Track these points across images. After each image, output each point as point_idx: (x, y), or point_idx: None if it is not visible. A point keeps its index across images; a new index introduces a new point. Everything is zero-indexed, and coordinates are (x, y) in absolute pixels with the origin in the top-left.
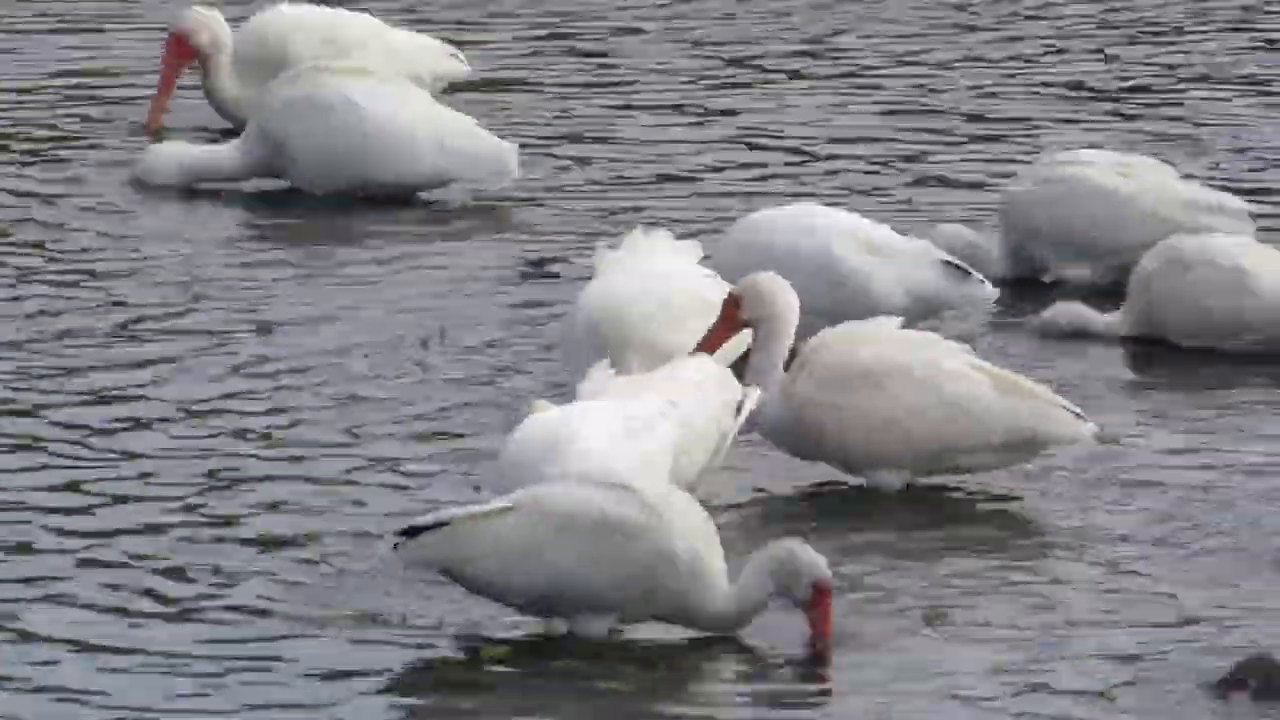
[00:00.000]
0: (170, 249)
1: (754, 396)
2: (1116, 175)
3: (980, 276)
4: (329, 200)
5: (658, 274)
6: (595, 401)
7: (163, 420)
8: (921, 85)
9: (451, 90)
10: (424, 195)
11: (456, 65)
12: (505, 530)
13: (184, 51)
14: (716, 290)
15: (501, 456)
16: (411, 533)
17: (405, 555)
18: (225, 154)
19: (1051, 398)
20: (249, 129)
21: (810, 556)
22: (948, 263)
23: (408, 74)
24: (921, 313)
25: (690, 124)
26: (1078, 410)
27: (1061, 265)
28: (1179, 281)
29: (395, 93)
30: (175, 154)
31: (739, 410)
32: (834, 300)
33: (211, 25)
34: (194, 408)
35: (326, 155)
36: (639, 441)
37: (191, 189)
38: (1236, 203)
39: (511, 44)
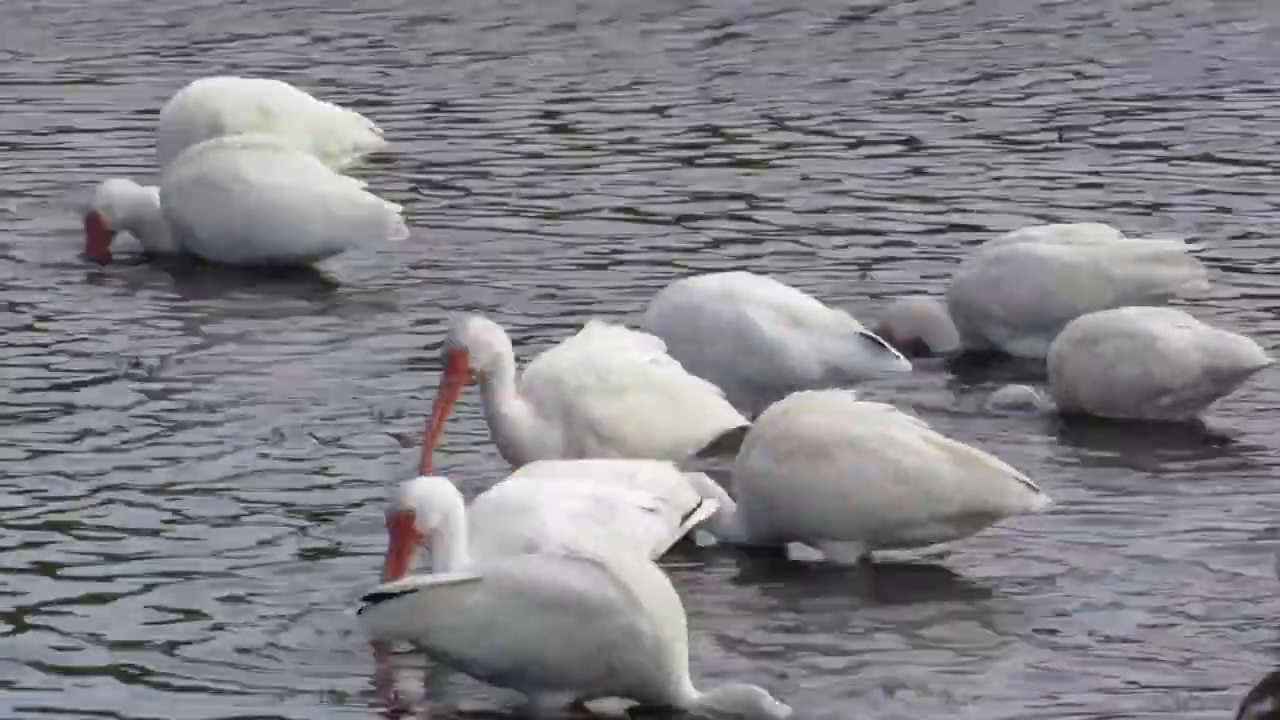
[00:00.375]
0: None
1: (709, 506)
2: (1060, 244)
3: (895, 352)
4: (234, 271)
5: (601, 350)
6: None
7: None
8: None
9: (368, 159)
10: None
11: (372, 136)
12: (471, 601)
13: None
14: (661, 367)
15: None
16: (375, 599)
17: (369, 622)
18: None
19: (1004, 469)
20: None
21: (771, 707)
22: (864, 335)
23: (326, 145)
24: (837, 383)
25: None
26: (1030, 482)
27: (1016, 343)
28: (1089, 358)
29: (284, 165)
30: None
31: (686, 518)
32: (751, 368)
33: None
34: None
35: (221, 231)
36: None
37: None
38: (1178, 245)
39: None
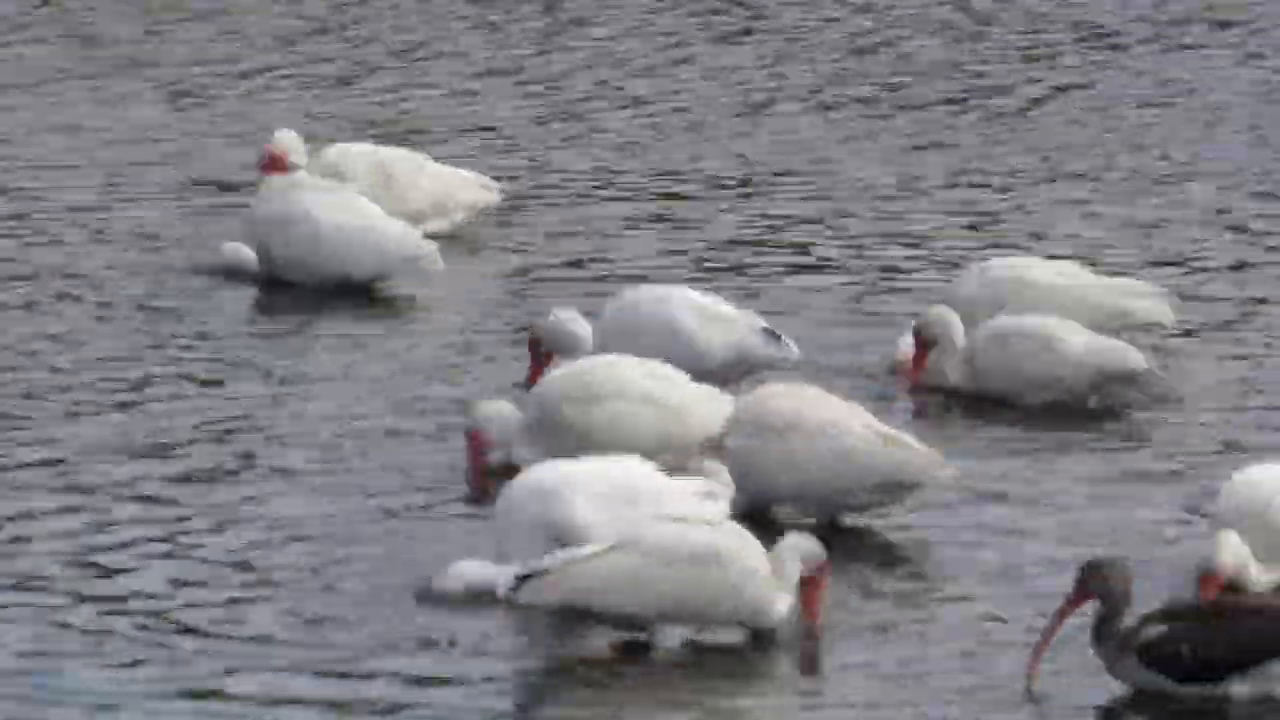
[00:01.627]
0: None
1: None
2: (1054, 275)
3: (790, 341)
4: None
5: (599, 363)
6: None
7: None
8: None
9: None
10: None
11: (489, 194)
12: (616, 566)
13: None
14: (650, 378)
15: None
16: (522, 579)
17: (524, 597)
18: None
19: (923, 448)
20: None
21: (812, 543)
22: (765, 329)
23: (449, 203)
24: (746, 367)
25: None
26: (942, 459)
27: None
28: (1000, 353)
29: (346, 204)
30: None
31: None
32: (676, 355)
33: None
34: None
35: (293, 258)
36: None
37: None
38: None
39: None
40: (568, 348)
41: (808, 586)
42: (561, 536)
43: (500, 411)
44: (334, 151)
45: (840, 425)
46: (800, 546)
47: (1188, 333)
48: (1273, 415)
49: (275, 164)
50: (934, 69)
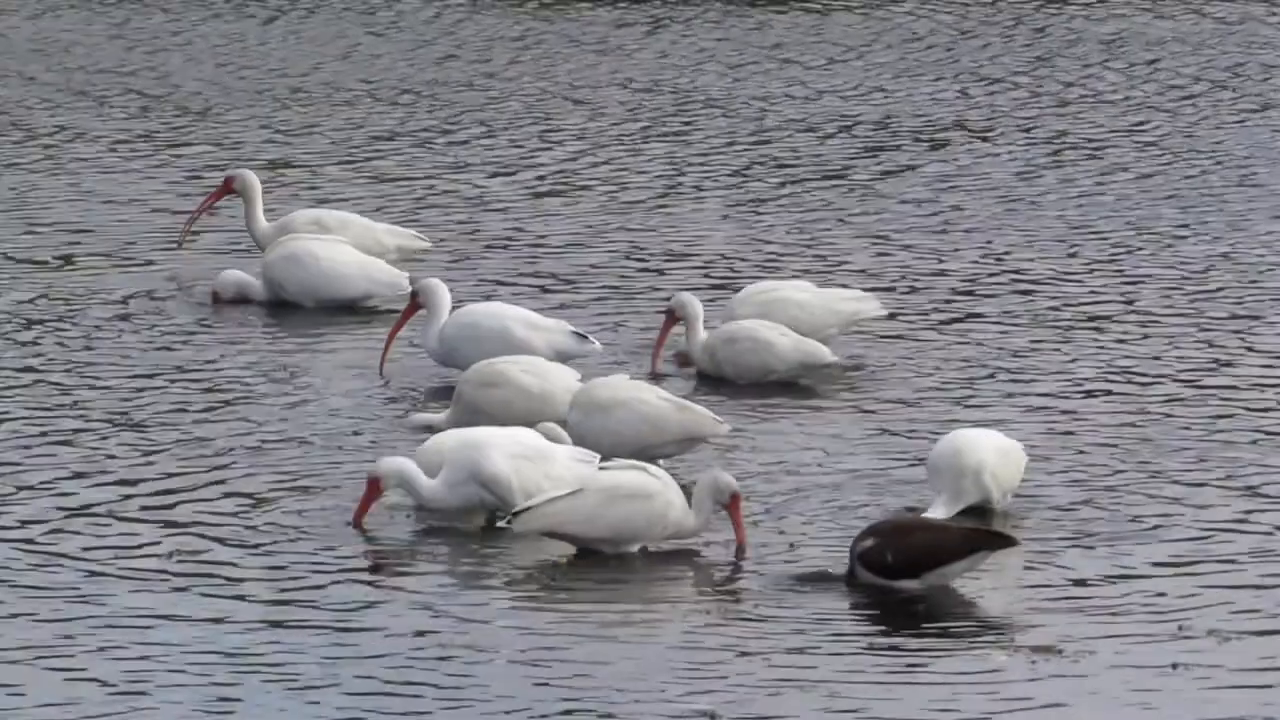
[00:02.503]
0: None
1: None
2: (796, 292)
3: (594, 340)
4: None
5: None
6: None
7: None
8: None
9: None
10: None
11: (419, 242)
12: (582, 502)
13: (228, 189)
14: (523, 372)
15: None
16: (517, 514)
17: (518, 526)
18: (258, 284)
19: (703, 411)
20: (263, 273)
21: (727, 478)
22: (574, 331)
23: (388, 248)
24: (562, 359)
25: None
26: (718, 418)
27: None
28: (730, 350)
29: (337, 247)
30: (237, 279)
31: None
32: (509, 353)
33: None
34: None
35: (301, 286)
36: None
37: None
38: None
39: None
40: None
41: (731, 511)
42: (485, 482)
43: (400, 469)
44: (313, 213)
45: (645, 400)
46: (715, 480)
47: (892, 318)
48: (953, 389)
49: (225, 191)
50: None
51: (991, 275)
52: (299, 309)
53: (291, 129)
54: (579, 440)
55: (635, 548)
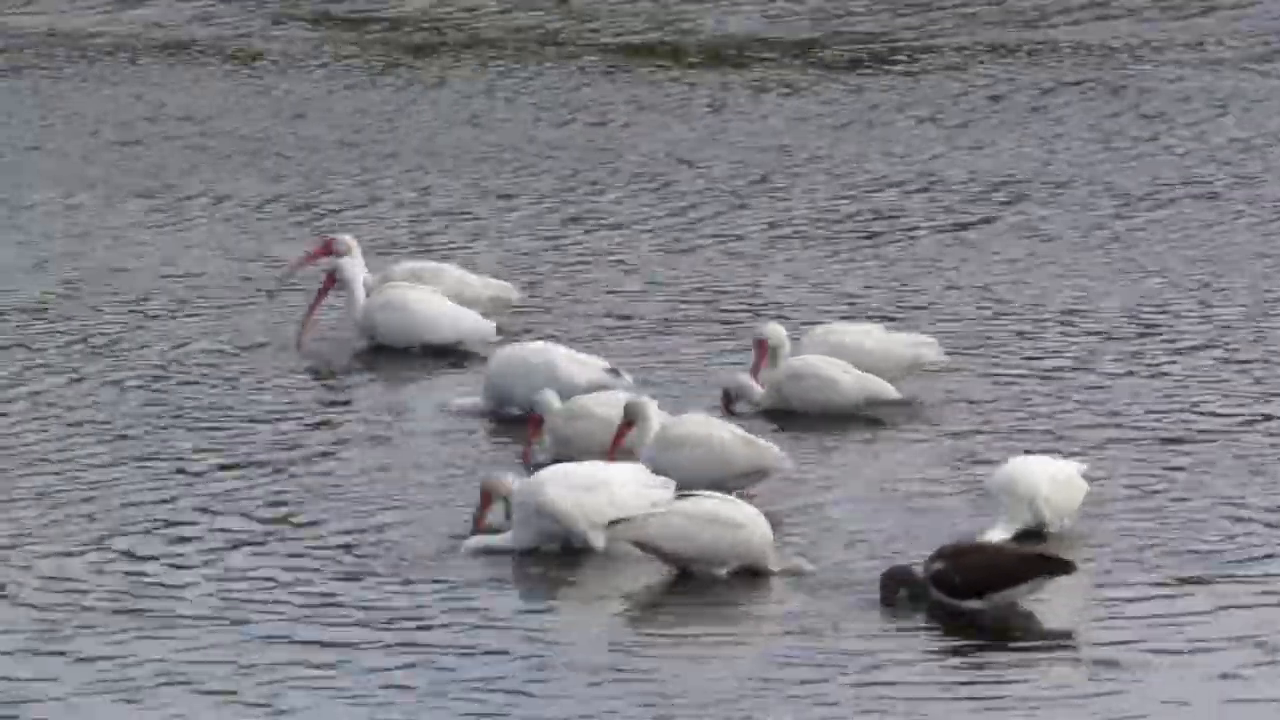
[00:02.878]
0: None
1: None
2: (863, 336)
3: (626, 374)
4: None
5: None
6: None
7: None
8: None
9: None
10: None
11: (511, 292)
12: (673, 522)
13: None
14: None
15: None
16: (612, 523)
17: (613, 535)
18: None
19: (769, 446)
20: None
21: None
22: (609, 369)
23: (481, 297)
24: (598, 390)
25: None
26: (782, 453)
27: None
28: (796, 385)
29: (429, 296)
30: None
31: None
32: (554, 386)
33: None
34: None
35: (394, 330)
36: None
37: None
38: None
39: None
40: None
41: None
42: (550, 515)
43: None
44: (410, 266)
45: (715, 436)
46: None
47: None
48: (1005, 429)
49: (324, 252)
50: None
51: (1068, 316)
52: (394, 351)
53: (423, 187)
54: (659, 473)
55: (721, 571)
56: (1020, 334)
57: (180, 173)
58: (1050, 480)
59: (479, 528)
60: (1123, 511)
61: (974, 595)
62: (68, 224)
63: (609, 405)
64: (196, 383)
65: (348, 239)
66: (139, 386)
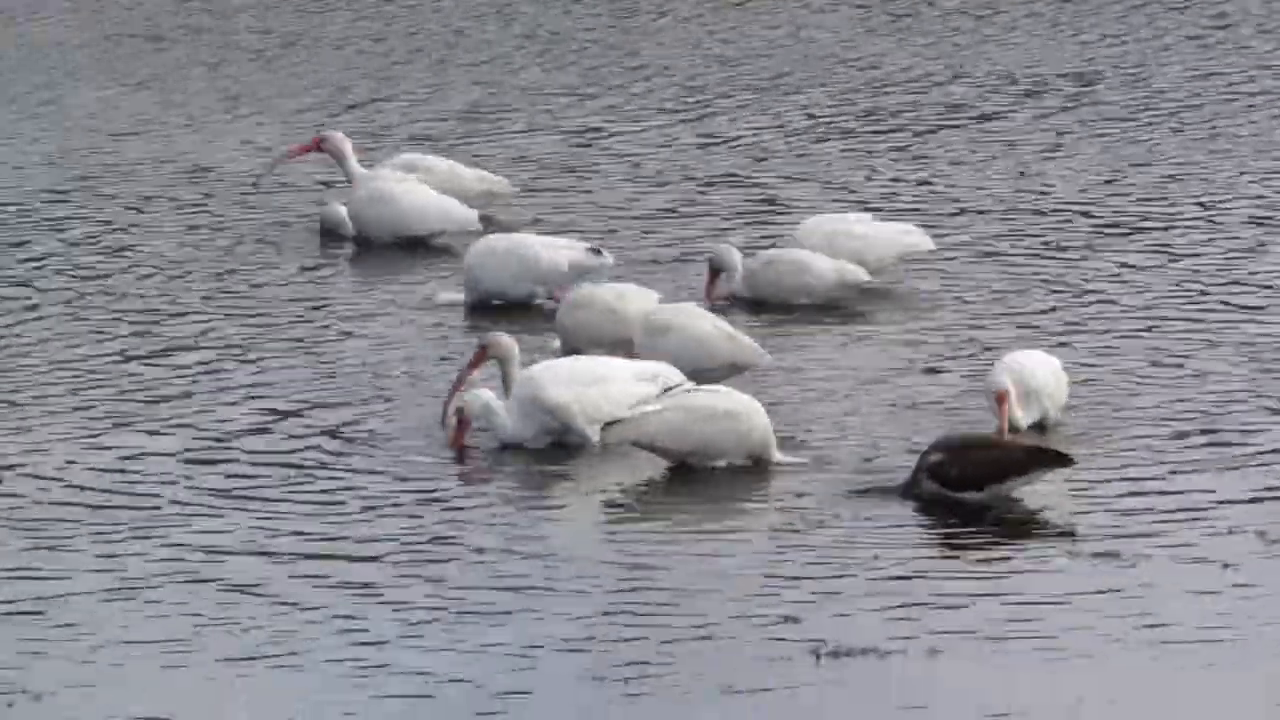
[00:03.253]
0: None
1: (686, 384)
2: (854, 224)
3: (607, 253)
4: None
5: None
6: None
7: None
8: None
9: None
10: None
11: (503, 186)
12: (670, 418)
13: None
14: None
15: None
16: (608, 424)
17: (610, 436)
18: (345, 217)
19: (749, 341)
20: (348, 212)
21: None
22: (590, 247)
23: (476, 190)
24: (582, 271)
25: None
26: (762, 350)
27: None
28: (771, 272)
29: (414, 187)
30: (338, 214)
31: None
32: (536, 271)
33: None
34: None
35: (381, 223)
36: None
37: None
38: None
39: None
40: None
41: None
42: (549, 410)
43: (485, 403)
44: (404, 158)
45: (700, 327)
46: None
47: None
48: (1001, 316)
49: (311, 148)
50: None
51: (1075, 209)
52: (381, 246)
53: (443, 81)
54: (649, 358)
55: (721, 463)
56: (1017, 229)
57: (206, 68)
58: (1053, 374)
59: (457, 449)
60: (1112, 404)
61: (972, 488)
62: (87, 116)
63: (614, 294)
64: (192, 277)
65: (338, 135)
66: (146, 277)
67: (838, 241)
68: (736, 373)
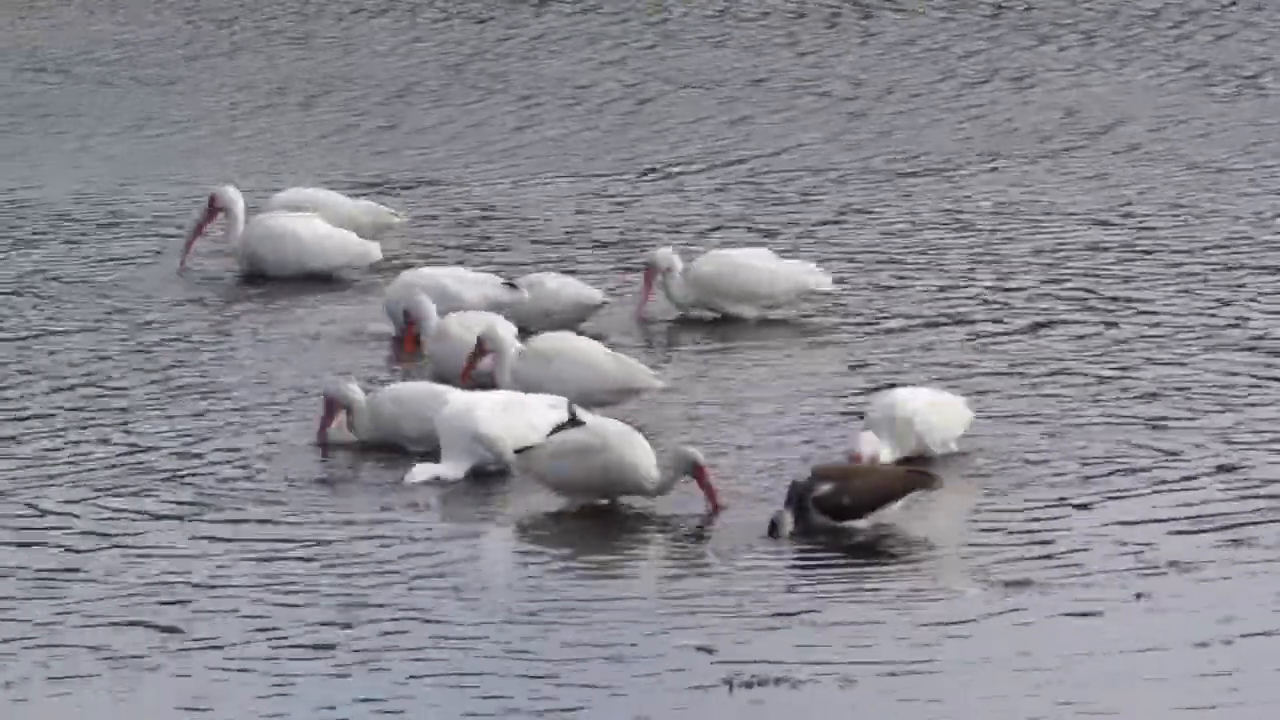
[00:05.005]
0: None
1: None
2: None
3: (523, 288)
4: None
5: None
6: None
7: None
8: None
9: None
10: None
11: (393, 218)
12: (548, 454)
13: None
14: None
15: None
16: (518, 451)
17: (516, 466)
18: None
19: (639, 366)
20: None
21: (691, 452)
22: (506, 282)
23: (361, 222)
24: (498, 306)
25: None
26: (652, 372)
27: (732, 306)
28: (719, 281)
29: (309, 222)
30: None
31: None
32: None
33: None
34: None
35: (276, 259)
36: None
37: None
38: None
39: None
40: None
41: (700, 479)
42: (485, 443)
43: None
44: (288, 194)
45: (584, 350)
46: (680, 452)
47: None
48: (897, 348)
49: (214, 212)
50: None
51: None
52: (276, 280)
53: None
54: (526, 389)
55: (604, 500)
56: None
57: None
58: (929, 405)
59: (320, 439)
60: (1011, 436)
61: (855, 515)
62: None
63: (471, 326)
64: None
65: (230, 190)
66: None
67: (733, 275)
68: (628, 397)
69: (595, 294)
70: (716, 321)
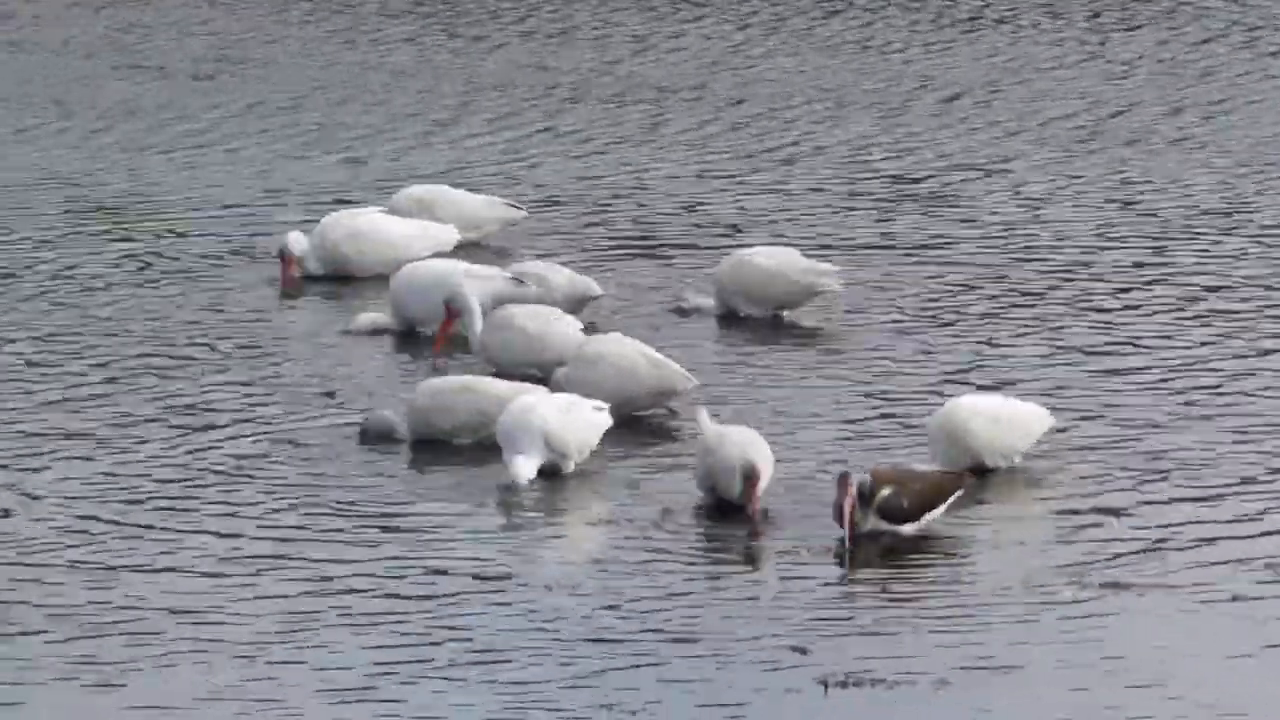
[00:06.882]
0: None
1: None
2: (767, 259)
3: (530, 284)
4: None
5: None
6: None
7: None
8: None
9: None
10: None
11: (516, 212)
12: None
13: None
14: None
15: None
16: None
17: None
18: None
19: (675, 366)
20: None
21: (750, 461)
22: (512, 277)
23: (485, 221)
24: (508, 299)
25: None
26: (688, 375)
27: (747, 308)
28: (741, 281)
29: (384, 221)
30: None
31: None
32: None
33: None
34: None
35: (359, 257)
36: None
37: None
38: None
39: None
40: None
41: (749, 485)
42: (553, 444)
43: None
44: (415, 190)
45: (624, 355)
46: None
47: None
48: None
49: (288, 267)
50: None
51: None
52: (359, 280)
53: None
54: (574, 391)
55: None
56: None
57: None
58: (989, 419)
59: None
60: (1098, 436)
61: (910, 520)
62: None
63: (532, 316)
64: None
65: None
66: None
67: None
68: (666, 399)
69: (593, 285)
70: (776, 320)
